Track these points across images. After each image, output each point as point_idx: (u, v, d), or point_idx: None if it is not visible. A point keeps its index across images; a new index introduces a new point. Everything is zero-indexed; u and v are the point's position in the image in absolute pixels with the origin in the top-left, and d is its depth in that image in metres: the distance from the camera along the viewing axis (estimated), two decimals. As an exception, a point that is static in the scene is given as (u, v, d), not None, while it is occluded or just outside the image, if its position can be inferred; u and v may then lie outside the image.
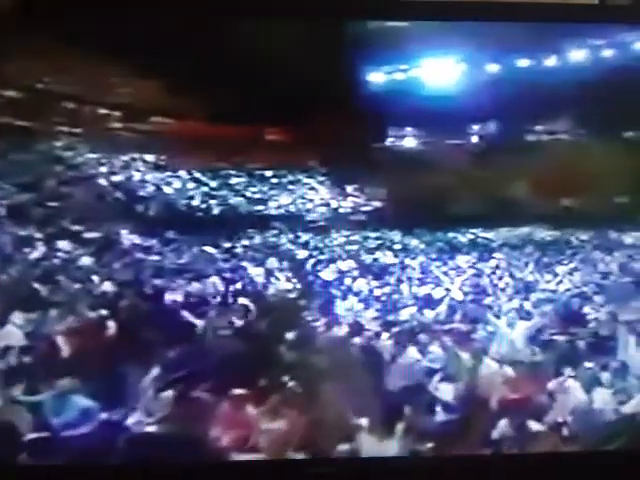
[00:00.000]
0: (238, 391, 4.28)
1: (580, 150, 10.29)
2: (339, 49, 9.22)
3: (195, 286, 6.70)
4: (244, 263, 7.76)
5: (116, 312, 5.60)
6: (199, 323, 5.36)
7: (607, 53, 10.90)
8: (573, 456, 4.21)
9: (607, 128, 10.79)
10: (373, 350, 4.89)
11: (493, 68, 11.44)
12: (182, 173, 11.56)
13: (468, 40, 9.96)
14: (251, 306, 5.93)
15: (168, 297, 6.21)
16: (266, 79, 10.09)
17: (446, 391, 4.63)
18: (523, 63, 11.31)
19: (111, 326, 5.49)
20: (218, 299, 6.25)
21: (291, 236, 10.34)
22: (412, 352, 5.06)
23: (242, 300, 5.99)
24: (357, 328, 5.59)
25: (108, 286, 6.31)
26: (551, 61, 11.26)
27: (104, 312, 5.68)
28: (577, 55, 10.94)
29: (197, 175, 11.68)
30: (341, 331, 5.38)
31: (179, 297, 6.17)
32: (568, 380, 4.46)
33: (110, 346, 4.96)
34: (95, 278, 6.43)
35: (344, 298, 6.30)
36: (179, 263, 7.71)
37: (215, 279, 6.84)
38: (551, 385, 4.43)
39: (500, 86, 10.62)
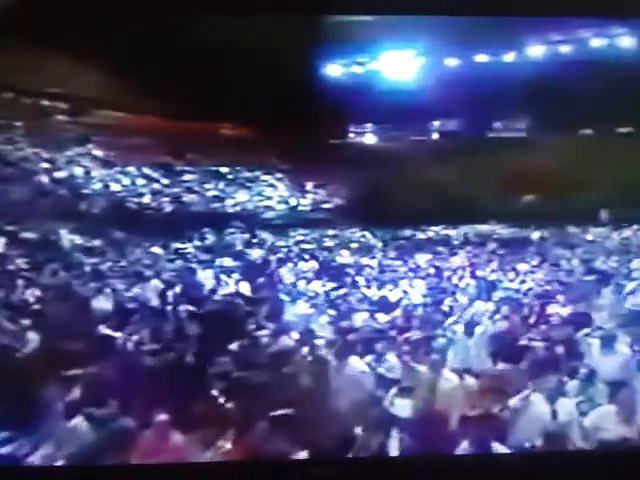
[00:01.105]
0: (163, 417, 3.58)
1: (540, 147, 10.08)
2: (298, 46, 8.80)
3: (135, 291, 6.01)
4: (192, 265, 7.12)
5: (38, 324, 4.86)
6: (127, 337, 4.64)
7: (566, 49, 10.64)
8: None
9: (567, 125, 10.63)
10: (323, 362, 4.26)
11: (454, 65, 11.12)
12: (131, 169, 10.85)
13: (429, 36, 9.69)
14: (191, 315, 5.26)
15: (97, 305, 5.50)
16: (222, 75, 9.56)
17: (403, 407, 4.04)
18: (484, 58, 11.00)
19: (32, 339, 4.75)
20: (156, 306, 5.54)
21: (247, 235, 9.75)
22: (366, 363, 4.46)
23: (183, 307, 5.31)
24: (308, 336, 4.97)
25: (33, 293, 5.57)
26: (511, 56, 10.97)
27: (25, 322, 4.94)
28: (537, 50, 10.65)
29: (148, 171, 10.96)
30: (290, 341, 4.75)
31: (109, 305, 5.47)
32: (532, 394, 3.95)
33: (23, 364, 4.22)
34: (20, 283, 5.72)
35: (296, 302, 5.66)
36: (120, 266, 7.03)
37: (156, 282, 6.15)
38: (515, 400, 3.89)
39: (461, 83, 10.31)
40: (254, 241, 9.15)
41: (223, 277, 6.49)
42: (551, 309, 5.92)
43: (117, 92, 10.44)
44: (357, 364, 4.14)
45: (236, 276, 6.78)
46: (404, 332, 4.94)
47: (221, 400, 4.01)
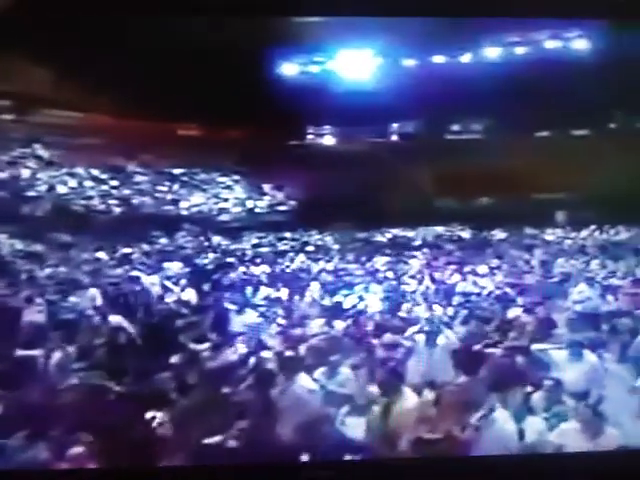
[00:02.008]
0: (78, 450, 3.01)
1: (497, 149, 9.90)
2: (256, 47, 8.39)
3: (71, 300, 5.40)
4: (137, 272, 6.53)
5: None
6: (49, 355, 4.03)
7: (522, 50, 10.46)
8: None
9: (524, 127, 10.50)
10: (268, 381, 3.75)
11: (412, 67, 10.83)
12: (79, 171, 10.17)
13: (387, 38, 9.39)
14: (129, 327, 4.68)
15: (29, 317, 4.88)
16: (177, 75, 9.05)
17: (355, 426, 3.57)
18: (441, 60, 10.74)
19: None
20: (92, 317, 4.94)
21: (199, 239, 9.19)
22: (317, 377, 3.98)
23: (117, 319, 4.72)
24: (254, 350, 4.46)
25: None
26: (468, 58, 10.73)
27: None
28: (493, 52, 10.44)
29: (96, 173, 10.30)
30: (233, 356, 4.23)
31: (41, 317, 4.86)
32: (496, 410, 3.54)
33: None
34: None
35: (244, 311, 5.14)
36: (60, 272, 6.40)
37: (94, 292, 5.54)
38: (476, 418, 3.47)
39: (419, 85, 10.05)
40: (206, 245, 8.61)
41: (168, 284, 5.92)
42: (512, 313, 5.55)
43: (67, 90, 9.80)
44: (305, 383, 3.64)
45: (183, 282, 6.22)
46: (360, 341, 4.46)
47: (154, 425, 3.46)
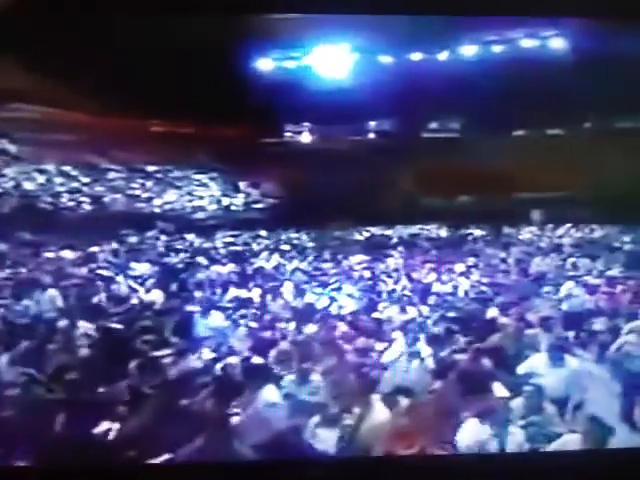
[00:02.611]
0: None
1: (474, 148, 9.70)
2: (233, 43, 8.07)
3: (24, 304, 4.99)
4: (103, 271, 6.14)
5: None
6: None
7: (501, 48, 10.27)
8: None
9: (502, 125, 10.33)
10: (233, 387, 3.41)
11: (389, 65, 10.58)
12: (49, 167, 9.71)
13: (366, 35, 9.13)
14: (89, 330, 4.31)
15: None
16: (154, 72, 8.68)
17: (326, 439, 3.25)
18: (419, 57, 10.52)
19: None
20: (48, 320, 4.55)
21: (170, 238, 8.78)
22: (285, 385, 3.65)
23: (82, 324, 4.34)
24: (223, 353, 4.13)
25: None
26: (444, 56, 10.53)
27: None
28: (470, 51, 10.24)
29: (66, 169, 9.84)
30: (197, 362, 3.88)
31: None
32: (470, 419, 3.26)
33: None
34: None
35: (209, 313, 4.78)
36: (18, 272, 5.98)
37: (53, 292, 5.15)
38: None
39: (396, 83, 9.82)
40: (177, 244, 8.22)
41: (132, 284, 5.53)
42: (490, 313, 5.29)
43: (39, 86, 9.35)
44: (270, 395, 3.31)
45: (150, 282, 5.85)
46: (332, 345, 4.13)
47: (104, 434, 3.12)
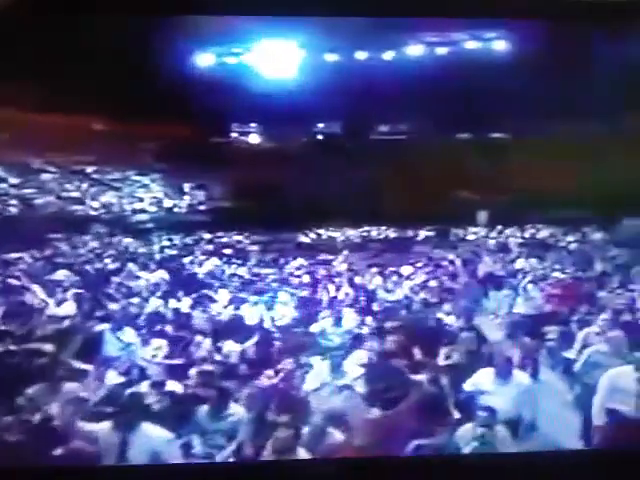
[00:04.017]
0: None
1: (421, 149, 9.34)
2: (175, 41, 7.43)
3: None
4: (13, 280, 5.28)
5: None
6: None
7: (445, 50, 9.93)
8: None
9: (448, 127, 10.00)
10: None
11: (339, 66, 10.08)
12: (-29, 168, 8.72)
13: (311, 36, 8.62)
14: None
15: None
16: (92, 69, 7.91)
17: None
18: (364, 59, 10.07)
19: None
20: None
21: (105, 242, 7.96)
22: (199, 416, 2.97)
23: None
24: (135, 376, 3.41)
25: None
26: (389, 59, 10.12)
27: None
28: (415, 52, 9.86)
29: (-6, 170, 8.90)
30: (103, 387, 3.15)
31: None
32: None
33: None
34: None
35: (127, 328, 4.03)
36: None
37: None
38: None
39: (345, 85, 9.34)
40: (109, 250, 7.39)
41: (42, 295, 4.72)
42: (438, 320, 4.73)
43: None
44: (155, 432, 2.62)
45: (69, 294, 5.03)
46: (258, 369, 3.45)
47: None
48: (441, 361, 3.72)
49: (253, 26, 7.85)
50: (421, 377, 3.34)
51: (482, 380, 3.51)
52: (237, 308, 4.77)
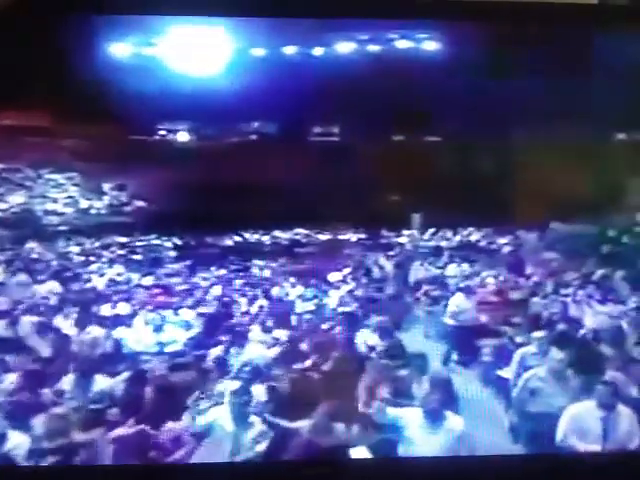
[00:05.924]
0: None
1: (353, 151, 8.77)
2: (95, 40, 6.77)
3: None
4: None
5: None
6: None
7: (376, 50, 9.42)
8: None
9: (380, 129, 9.49)
10: None
11: (268, 66, 9.40)
12: None
13: (239, 36, 7.99)
14: None
15: None
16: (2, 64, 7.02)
17: None
18: (292, 56, 9.41)
19: None
20: None
21: (6, 247, 6.90)
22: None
23: None
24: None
25: None
26: (319, 59, 9.50)
27: None
28: (345, 50, 9.27)
29: None
30: None
31: None
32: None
33: None
34: None
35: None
36: None
37: None
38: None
39: (277, 83, 8.66)
40: (6, 256, 6.30)
41: None
42: (360, 337, 4.01)
43: None
44: None
45: None
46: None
47: None
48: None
49: (174, 22, 7.14)
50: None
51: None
52: (130, 327, 3.85)
